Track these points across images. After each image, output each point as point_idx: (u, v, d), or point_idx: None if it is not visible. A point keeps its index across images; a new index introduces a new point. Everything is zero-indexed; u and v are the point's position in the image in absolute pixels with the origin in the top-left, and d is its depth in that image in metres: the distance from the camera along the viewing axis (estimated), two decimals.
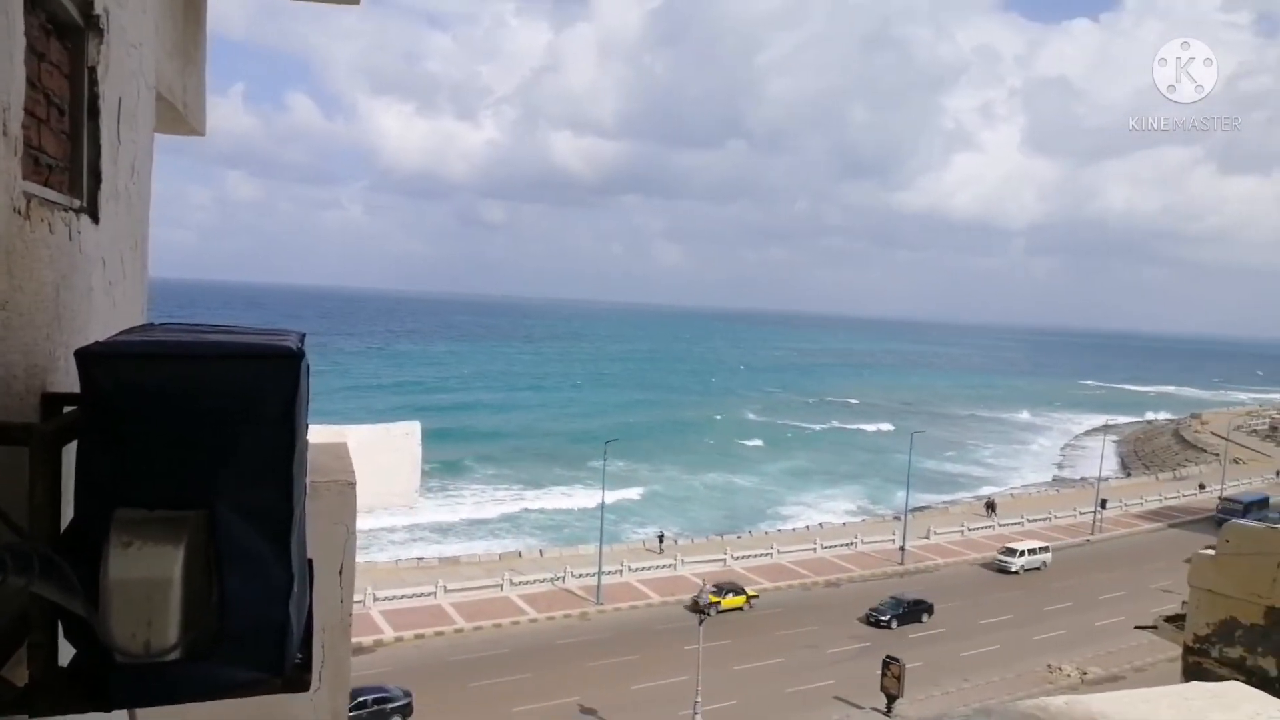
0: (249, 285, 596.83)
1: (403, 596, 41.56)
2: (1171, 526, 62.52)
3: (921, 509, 64.69)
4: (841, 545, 54.29)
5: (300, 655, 1.49)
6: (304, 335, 1.85)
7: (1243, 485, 75.50)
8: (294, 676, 1.43)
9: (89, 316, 1.90)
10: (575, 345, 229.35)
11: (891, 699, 33.59)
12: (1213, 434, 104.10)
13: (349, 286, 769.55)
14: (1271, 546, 11.81)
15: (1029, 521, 61.89)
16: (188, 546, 1.20)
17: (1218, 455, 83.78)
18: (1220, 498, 65.53)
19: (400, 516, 60.04)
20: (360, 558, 36.26)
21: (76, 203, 1.90)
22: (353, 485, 2.67)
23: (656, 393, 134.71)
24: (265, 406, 1.25)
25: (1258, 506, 60.34)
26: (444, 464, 72.24)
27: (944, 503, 71.32)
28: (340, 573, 2.70)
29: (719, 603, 42.16)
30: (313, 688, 2.87)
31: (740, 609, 42.82)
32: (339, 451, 2.92)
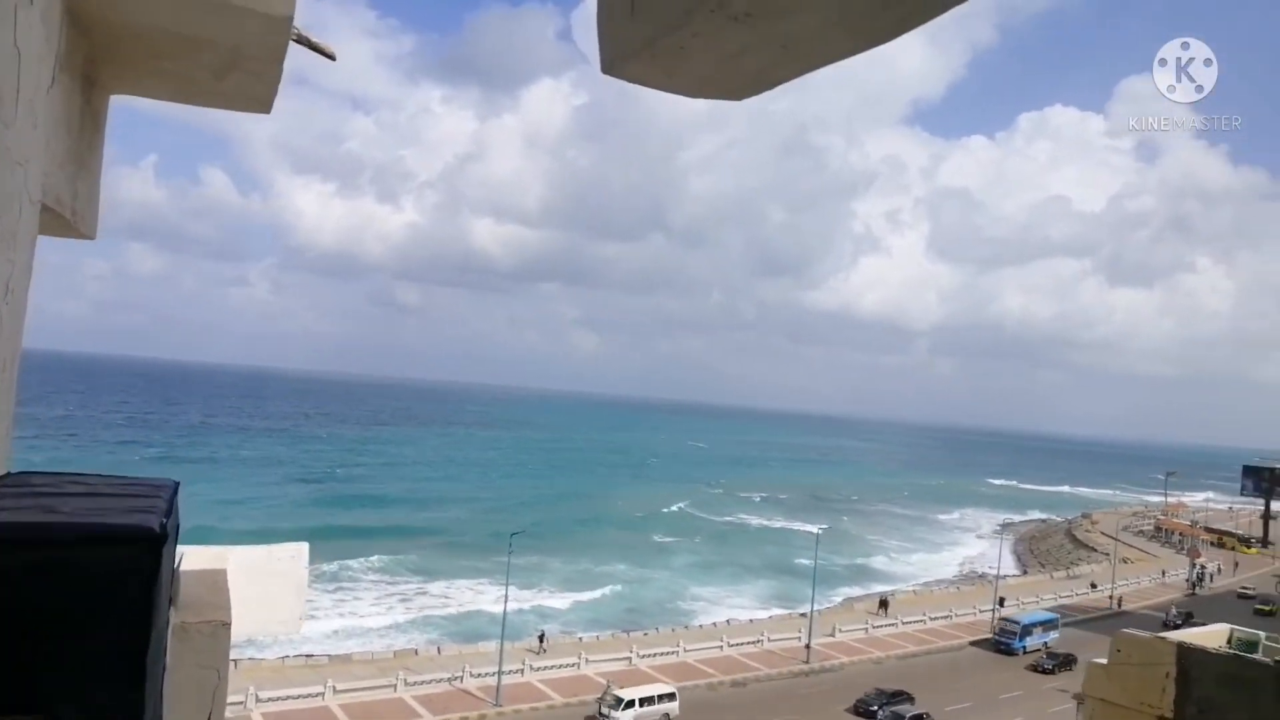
0: (150, 361, 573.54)
1: (288, 697, 39.12)
2: (1065, 625, 64.04)
3: (827, 607, 64.92)
4: (748, 643, 53.78)
5: None
6: (177, 485, 1.74)
7: (1130, 585, 78.33)
8: None
9: None
10: (486, 432, 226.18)
11: None
12: (1102, 534, 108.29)
13: (254, 364, 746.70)
14: (1160, 657, 12.18)
15: (931, 620, 62.61)
16: None
17: (1107, 555, 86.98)
18: (999, 618, 60.33)
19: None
20: (244, 654, 34.24)
21: None
22: (227, 625, 2.50)
23: (567, 483, 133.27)
24: (119, 597, 1.14)
25: (1042, 628, 58.15)
26: (341, 559, 69.84)
27: (849, 599, 71.74)
28: None
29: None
30: None
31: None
32: (215, 582, 2.73)
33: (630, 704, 39.83)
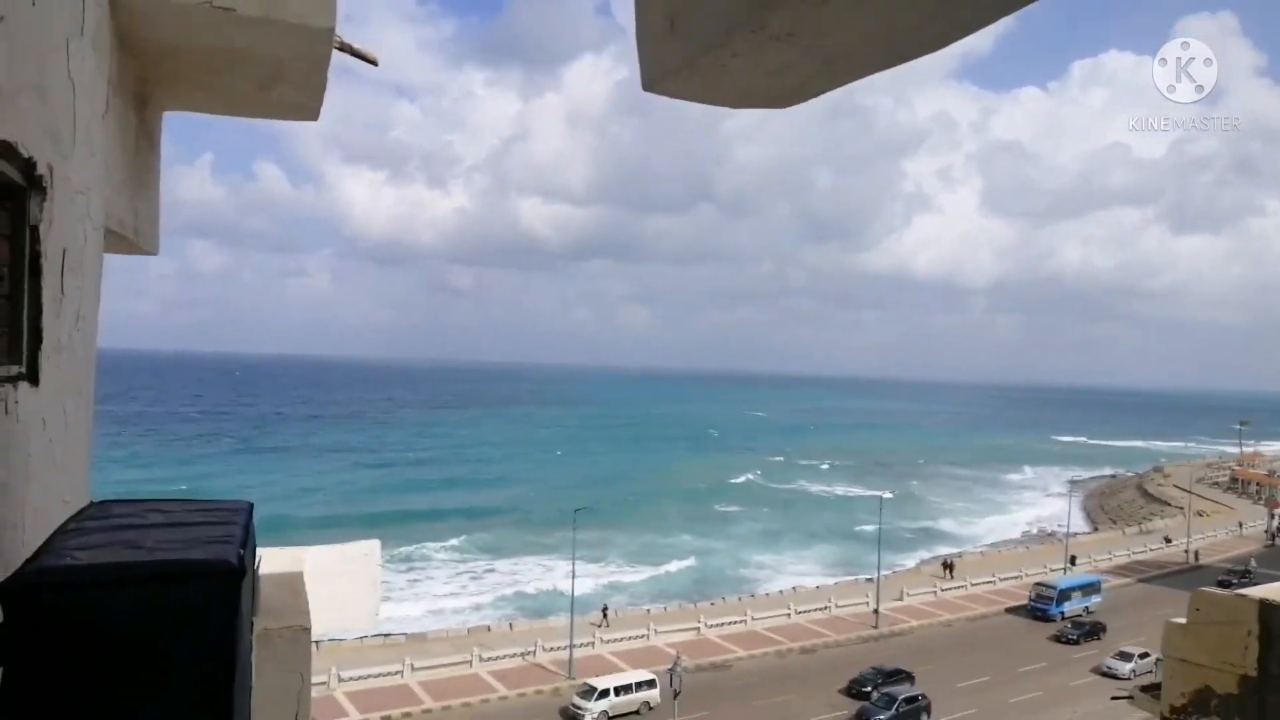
0: (216, 355, 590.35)
1: (368, 676, 40.31)
2: (1140, 581, 62.77)
3: (893, 571, 64.46)
4: (815, 609, 53.76)
5: None
6: (251, 507, 1.78)
7: (1207, 538, 76.23)
8: None
9: (26, 485, 1.81)
10: (545, 411, 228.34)
11: None
12: (1175, 487, 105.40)
13: (315, 354, 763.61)
14: (1241, 615, 11.83)
15: (1000, 580, 61.81)
16: None
17: (1181, 508, 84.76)
18: (1036, 582, 56.46)
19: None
20: (325, 635, 35.00)
21: (15, 369, 1.83)
22: (307, 630, 2.56)
23: (628, 458, 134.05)
24: (202, 631, 1.17)
25: (1081, 592, 54.42)
26: (415, 542, 71.55)
27: (918, 562, 71.17)
28: None
29: None
30: None
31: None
32: (294, 587, 2.80)
33: (604, 693, 37.70)
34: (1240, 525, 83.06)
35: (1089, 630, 50.19)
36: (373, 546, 3.44)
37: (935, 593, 58.56)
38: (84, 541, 1.37)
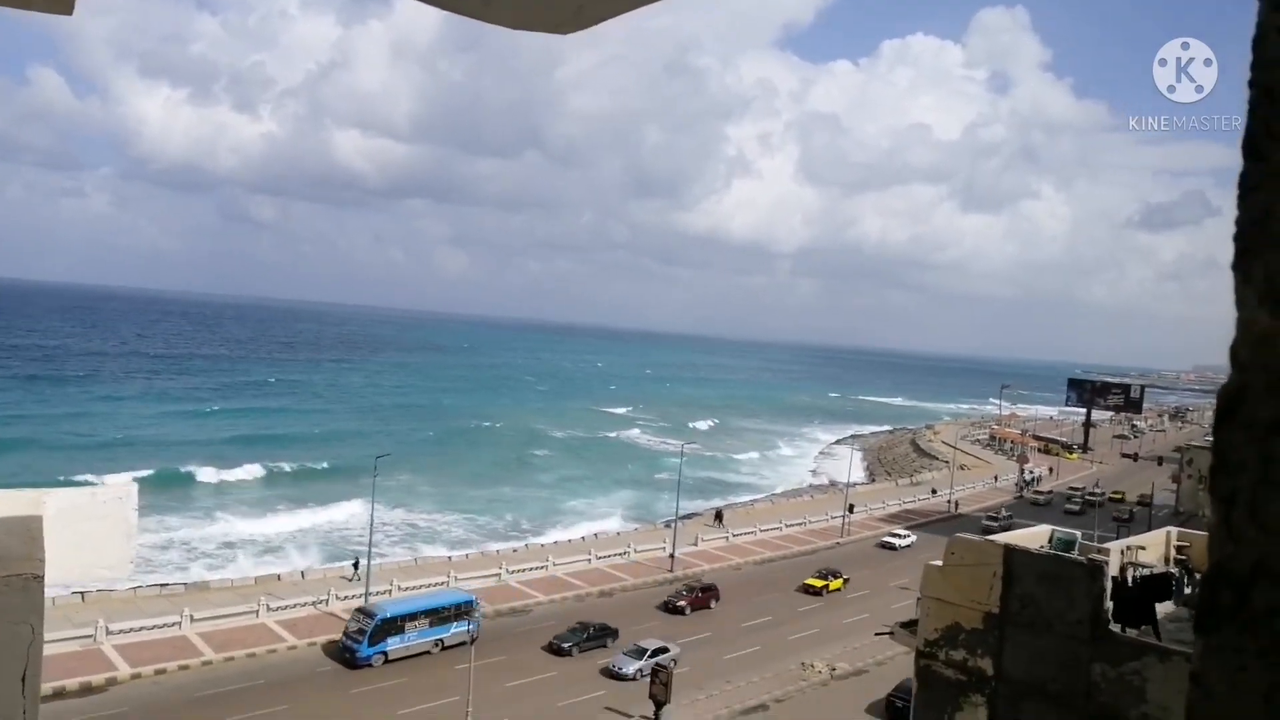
0: None
1: (141, 629, 37.68)
2: (910, 528, 68.84)
3: (689, 516, 67.24)
4: (615, 555, 55.31)
5: None
6: None
7: (967, 490, 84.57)
8: None
9: None
10: (353, 353, 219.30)
11: (660, 705, 34.46)
12: (943, 443, 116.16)
13: (94, 283, 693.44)
14: (989, 558, 13.22)
15: (787, 526, 66.02)
16: None
17: (947, 462, 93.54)
18: (356, 609, 39.99)
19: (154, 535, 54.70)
20: (93, 586, 32.49)
21: None
22: (39, 578, 2.31)
23: (438, 400, 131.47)
24: None
25: (429, 619, 39.06)
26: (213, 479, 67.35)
27: (711, 509, 74.56)
28: (23, 680, 2.33)
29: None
30: None
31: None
32: (28, 531, 2.51)
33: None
34: (995, 479, 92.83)
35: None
36: (128, 489, 3.14)
37: (727, 538, 61.73)
38: None
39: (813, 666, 40.47)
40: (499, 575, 49.47)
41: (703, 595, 47.97)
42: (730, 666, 40.01)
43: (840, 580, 52.16)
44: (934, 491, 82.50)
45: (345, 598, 43.23)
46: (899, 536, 63.93)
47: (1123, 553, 16.04)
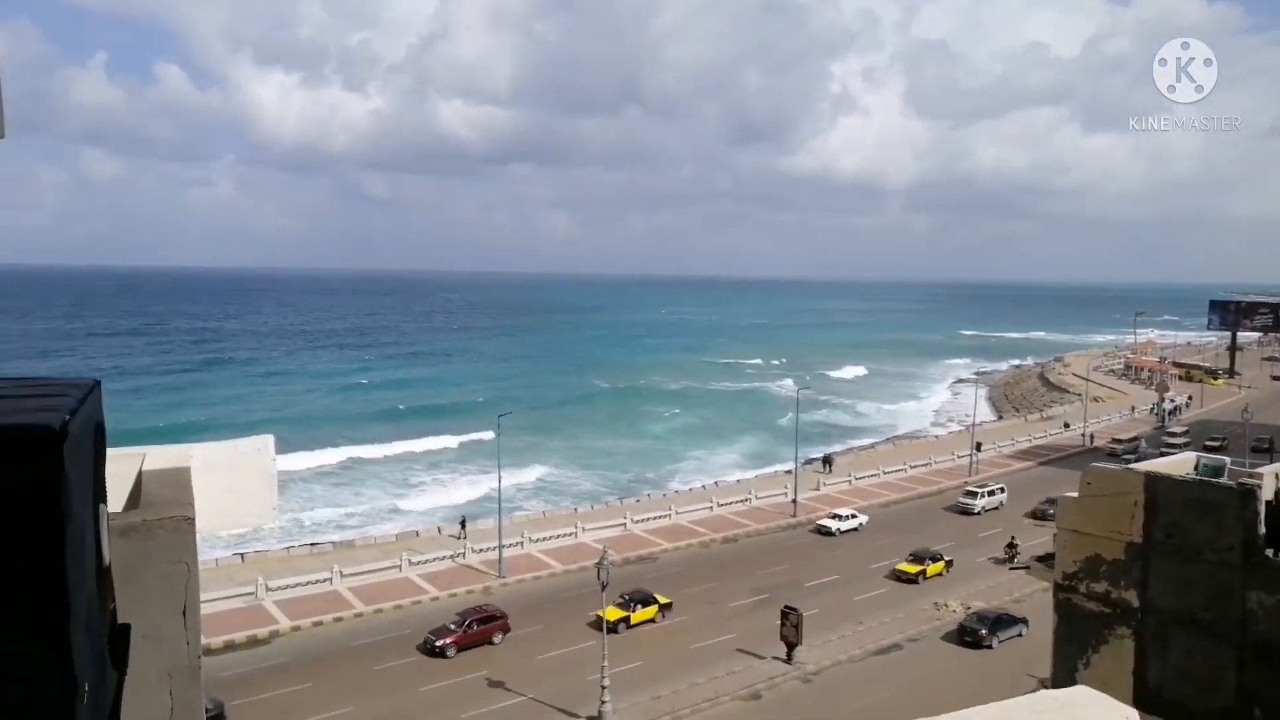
0: (113, 270, 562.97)
1: (297, 585, 40.36)
2: (1041, 464, 66.43)
3: (810, 461, 66.71)
4: (737, 502, 55.57)
5: None
6: (96, 384, 1.64)
7: (1102, 422, 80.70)
8: None
9: None
10: (471, 319, 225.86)
11: (791, 647, 34.75)
12: (1074, 375, 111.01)
13: (223, 266, 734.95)
14: (1128, 486, 12.61)
15: (911, 468, 64.70)
16: None
17: (1079, 395, 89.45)
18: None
19: (299, 501, 58.21)
20: (250, 548, 35.07)
21: None
22: (191, 520, 2.49)
23: (555, 361, 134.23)
24: (19, 501, 1.08)
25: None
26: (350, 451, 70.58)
27: (831, 454, 73.72)
28: (184, 613, 2.52)
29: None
30: None
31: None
32: (178, 480, 2.70)
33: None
34: (1132, 409, 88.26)
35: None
36: (266, 441, 3.33)
37: (850, 481, 61.03)
38: None
39: (946, 606, 39.85)
40: (624, 525, 50.50)
41: (480, 628, 35.89)
42: (860, 608, 39.84)
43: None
44: (1066, 425, 79.15)
45: (480, 550, 45.06)
46: (839, 519, 51.30)
47: (1276, 477, 15.04)
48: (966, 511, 54.25)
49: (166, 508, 2.50)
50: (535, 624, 37.72)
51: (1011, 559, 44.03)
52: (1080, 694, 2.15)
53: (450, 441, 76.80)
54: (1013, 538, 45.75)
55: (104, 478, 1.49)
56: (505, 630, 36.31)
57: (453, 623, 35.92)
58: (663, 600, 39.05)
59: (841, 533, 50.33)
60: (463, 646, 35.00)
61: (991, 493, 55.73)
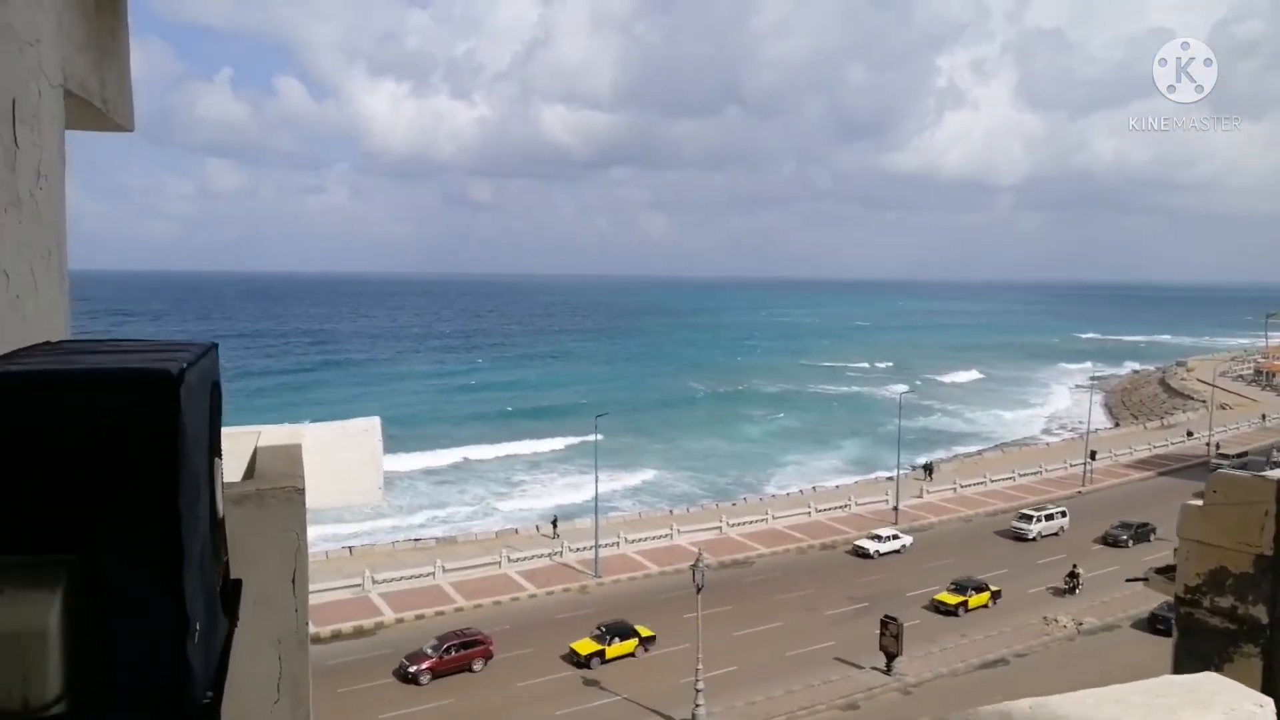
0: (238, 275, 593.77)
1: (401, 578, 41.66)
2: (1161, 475, 63.03)
3: (915, 468, 65.01)
4: (835, 508, 54.61)
5: (210, 694, 1.39)
6: (214, 346, 1.73)
7: (1229, 431, 76.03)
8: (199, 719, 1.33)
9: None
10: (572, 321, 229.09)
11: (891, 657, 33.93)
12: (1199, 380, 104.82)
13: (339, 270, 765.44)
14: (1258, 495, 11.87)
15: (1020, 476, 62.30)
16: (65, 593, 1.09)
17: (1204, 402, 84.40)
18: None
19: (407, 497, 60.01)
20: (356, 542, 36.29)
21: None
22: (301, 491, 2.59)
23: (654, 363, 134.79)
24: (139, 437, 1.14)
25: None
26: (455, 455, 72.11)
27: (934, 461, 71.67)
28: (293, 581, 2.62)
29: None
30: (272, 699, 2.80)
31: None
32: (290, 455, 2.82)
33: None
34: (1264, 417, 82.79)
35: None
36: (373, 423, 3.46)
37: (954, 489, 59.19)
38: (24, 362, 1.33)
39: (1056, 620, 38.26)
40: (719, 528, 50.27)
41: (459, 654, 33.75)
42: (964, 621, 38.59)
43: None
44: (1190, 434, 74.82)
45: (577, 549, 45.57)
46: (879, 539, 47.59)
47: None
48: (1020, 537, 49.66)
49: (278, 479, 2.61)
50: (524, 647, 35.81)
51: (1072, 589, 41.68)
52: (1208, 680, 2.03)
53: (556, 443, 77.61)
54: (1074, 565, 42.75)
55: (219, 433, 1.57)
56: (488, 657, 34.28)
57: (430, 647, 33.76)
58: (644, 633, 35.83)
59: (880, 554, 46.95)
60: (439, 673, 32.88)
61: (1050, 516, 50.84)
